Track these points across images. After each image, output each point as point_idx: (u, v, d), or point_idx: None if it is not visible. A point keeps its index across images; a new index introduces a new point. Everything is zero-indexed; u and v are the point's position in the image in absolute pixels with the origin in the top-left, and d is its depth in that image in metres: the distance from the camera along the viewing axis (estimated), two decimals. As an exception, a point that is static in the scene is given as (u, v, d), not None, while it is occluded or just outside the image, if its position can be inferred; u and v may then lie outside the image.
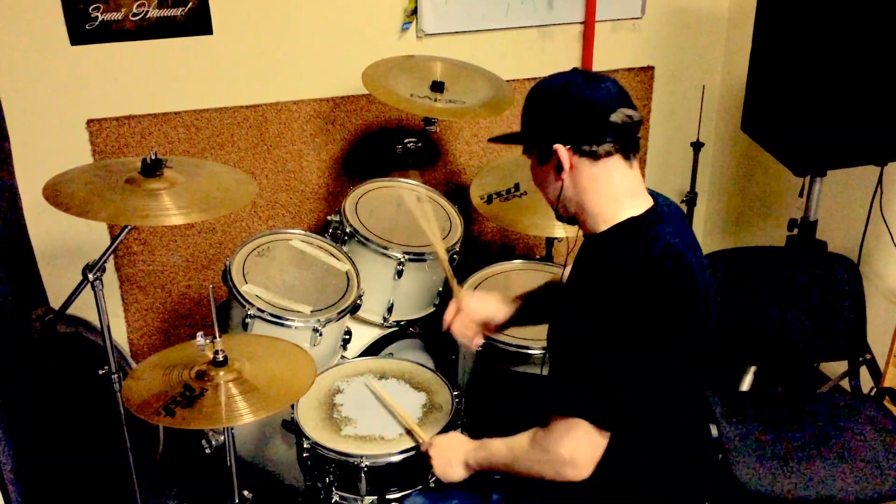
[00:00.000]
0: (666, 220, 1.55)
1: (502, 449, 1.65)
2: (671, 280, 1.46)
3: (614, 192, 1.54)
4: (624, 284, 1.45)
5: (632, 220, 1.53)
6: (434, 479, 1.95)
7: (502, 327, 1.96)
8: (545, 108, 1.54)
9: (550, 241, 2.76)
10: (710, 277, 1.61)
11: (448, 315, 1.92)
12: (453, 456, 1.73)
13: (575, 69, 1.58)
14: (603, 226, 1.56)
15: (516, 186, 2.52)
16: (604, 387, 1.48)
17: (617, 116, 1.49)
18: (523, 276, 2.55)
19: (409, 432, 1.97)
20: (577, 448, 1.51)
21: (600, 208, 1.55)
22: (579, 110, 1.50)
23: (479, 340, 1.94)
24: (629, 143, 1.53)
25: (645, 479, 1.59)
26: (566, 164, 1.52)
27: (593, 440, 1.51)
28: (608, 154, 1.51)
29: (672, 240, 1.50)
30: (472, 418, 2.08)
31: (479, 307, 1.92)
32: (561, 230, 2.43)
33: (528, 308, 1.94)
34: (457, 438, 1.79)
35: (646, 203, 1.56)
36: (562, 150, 1.52)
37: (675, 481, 1.65)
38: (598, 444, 1.51)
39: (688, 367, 1.53)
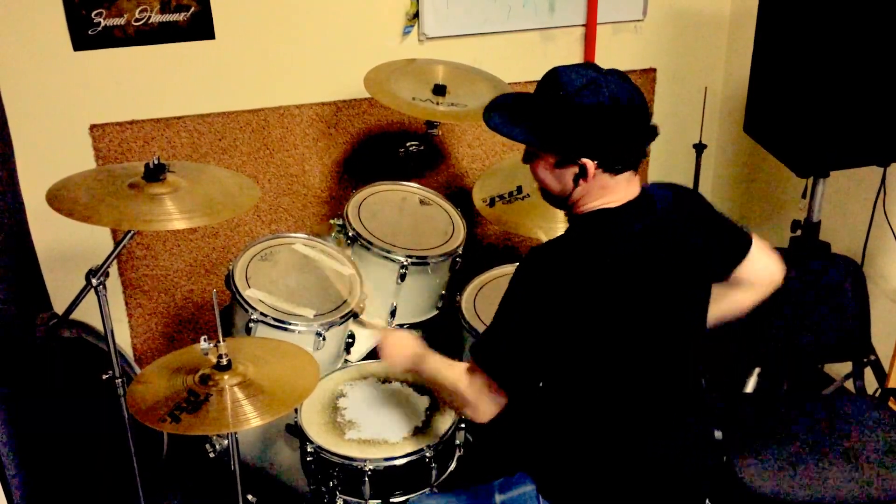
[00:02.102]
0: (642, 216, 1.56)
1: (434, 370, 1.75)
2: (583, 264, 1.51)
3: (610, 194, 1.56)
4: (532, 258, 1.55)
5: (600, 212, 1.56)
6: (437, 483, 1.96)
7: None
8: (586, 123, 1.50)
9: (553, 244, 2.75)
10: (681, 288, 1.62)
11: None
12: (402, 352, 1.84)
13: (596, 67, 1.55)
14: (579, 211, 1.60)
15: (518, 189, 2.52)
16: (499, 344, 1.57)
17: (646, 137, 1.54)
18: (526, 278, 2.55)
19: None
20: (480, 398, 1.61)
21: (592, 206, 1.58)
22: (622, 132, 1.51)
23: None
24: (643, 154, 1.58)
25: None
26: (590, 178, 1.54)
27: (494, 396, 1.60)
28: (627, 168, 1.55)
29: (614, 238, 1.53)
30: (474, 426, 2.07)
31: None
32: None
33: None
34: (404, 342, 1.87)
35: (629, 197, 1.58)
36: (590, 165, 1.52)
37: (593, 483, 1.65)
38: (497, 401, 1.60)
39: (590, 357, 1.56)
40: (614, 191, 1.56)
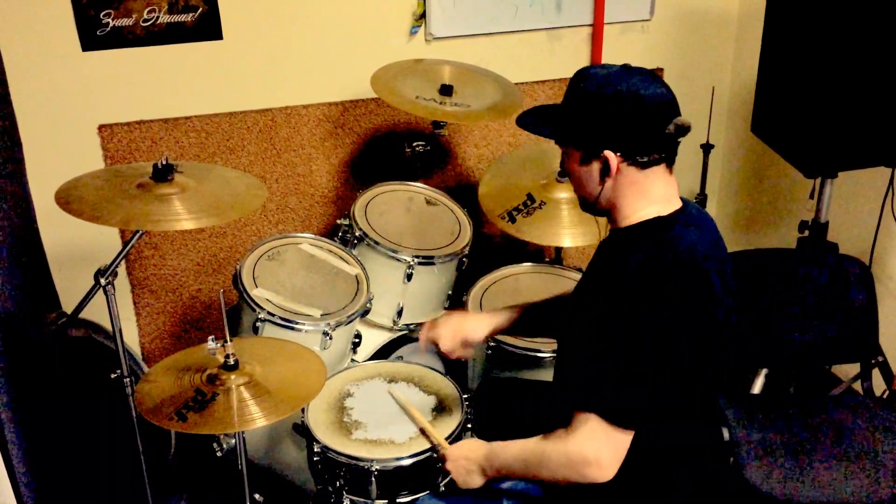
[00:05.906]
0: (693, 224, 1.54)
1: (519, 455, 1.61)
2: (682, 281, 1.46)
3: (648, 195, 1.54)
4: (635, 281, 1.46)
5: (656, 220, 1.53)
6: (444, 482, 1.96)
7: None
8: (604, 113, 1.49)
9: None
10: (734, 285, 1.60)
11: (422, 339, 1.94)
12: (468, 464, 1.71)
13: (627, 66, 1.54)
14: (627, 222, 1.56)
15: (530, 197, 2.49)
16: (618, 383, 1.47)
17: (671, 127, 1.49)
18: (533, 279, 2.55)
19: (424, 434, 1.98)
20: (600, 448, 1.49)
21: (632, 210, 1.56)
22: (640, 121, 1.48)
23: (467, 353, 1.93)
24: (674, 151, 1.54)
25: (654, 480, 1.59)
26: (614, 171, 1.52)
27: (616, 439, 1.49)
28: (655, 163, 1.52)
29: (691, 243, 1.50)
30: (481, 426, 2.07)
31: (454, 328, 1.91)
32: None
33: (528, 320, 1.93)
34: (469, 446, 1.74)
35: (675, 206, 1.56)
36: (612, 158, 1.51)
37: (684, 482, 1.65)
38: (621, 443, 1.49)
39: (697, 369, 1.53)
40: (646, 188, 1.53)
